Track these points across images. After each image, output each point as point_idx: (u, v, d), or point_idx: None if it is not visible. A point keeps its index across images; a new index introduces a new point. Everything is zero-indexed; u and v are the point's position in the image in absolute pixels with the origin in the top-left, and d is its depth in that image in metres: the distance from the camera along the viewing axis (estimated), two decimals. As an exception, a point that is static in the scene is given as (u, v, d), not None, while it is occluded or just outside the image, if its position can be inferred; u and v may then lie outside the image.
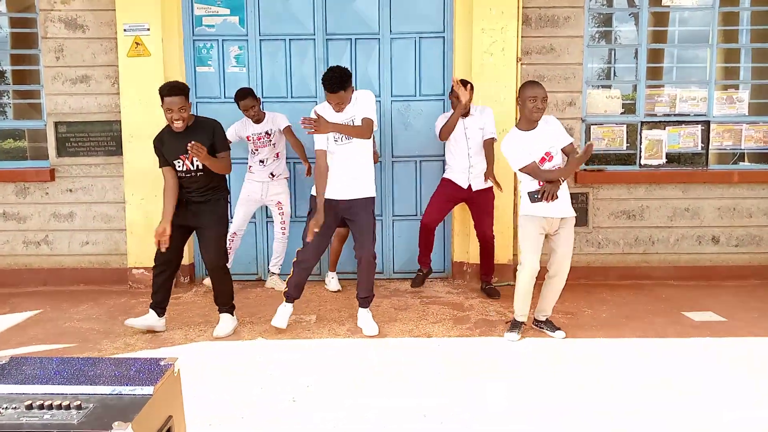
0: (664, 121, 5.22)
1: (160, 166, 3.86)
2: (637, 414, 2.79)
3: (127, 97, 4.93)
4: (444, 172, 4.79)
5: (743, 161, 5.59)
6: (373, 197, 3.91)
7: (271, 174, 4.84)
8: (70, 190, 5.17)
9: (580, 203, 5.16)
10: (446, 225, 5.18)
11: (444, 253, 5.26)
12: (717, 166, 5.29)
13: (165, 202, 3.80)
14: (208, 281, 4.87)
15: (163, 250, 3.72)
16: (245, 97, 4.65)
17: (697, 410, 2.81)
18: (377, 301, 4.62)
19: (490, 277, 4.78)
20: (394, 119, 5.18)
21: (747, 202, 5.20)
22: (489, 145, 4.55)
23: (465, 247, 5.10)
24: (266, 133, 4.78)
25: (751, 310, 4.38)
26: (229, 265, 4.93)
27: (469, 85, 4.44)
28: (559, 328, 3.87)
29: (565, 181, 3.68)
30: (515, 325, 3.84)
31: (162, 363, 1.71)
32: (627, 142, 5.23)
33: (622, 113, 5.25)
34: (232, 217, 4.76)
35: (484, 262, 4.77)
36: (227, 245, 4.87)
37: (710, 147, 5.22)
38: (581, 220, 5.16)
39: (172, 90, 3.63)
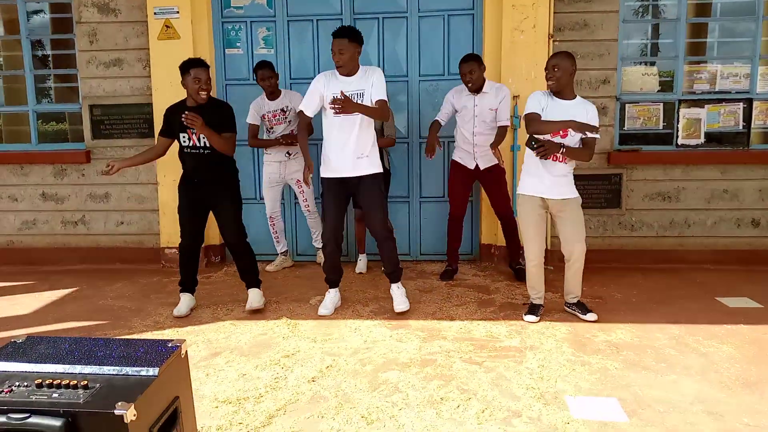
0: (704, 99, 5.00)
1: (159, 134, 3.96)
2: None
3: (158, 80, 5.01)
4: (452, 154, 4.70)
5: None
6: (381, 173, 3.87)
7: (288, 153, 4.84)
8: (108, 170, 5.30)
9: (613, 185, 5.02)
10: (474, 207, 5.13)
11: (471, 235, 5.21)
12: (759, 146, 5.05)
13: (134, 157, 4.10)
14: (270, 266, 5.02)
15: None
16: (263, 67, 4.68)
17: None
18: (403, 282, 4.62)
19: (518, 256, 4.65)
20: (422, 99, 5.12)
21: (791, 184, 4.96)
22: (501, 132, 4.38)
23: (493, 230, 5.04)
24: (282, 110, 4.79)
25: (791, 296, 4.21)
26: (285, 248, 5.06)
27: (476, 63, 4.30)
28: (591, 311, 3.80)
29: (570, 165, 3.62)
30: (533, 308, 3.82)
31: (169, 345, 1.75)
32: (663, 121, 5.05)
33: (659, 91, 5.06)
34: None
35: (508, 241, 4.69)
36: (271, 231, 4.98)
37: (752, 126, 4.99)
38: (614, 202, 5.03)
39: (200, 62, 3.78)
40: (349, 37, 3.66)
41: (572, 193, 3.66)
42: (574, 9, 4.87)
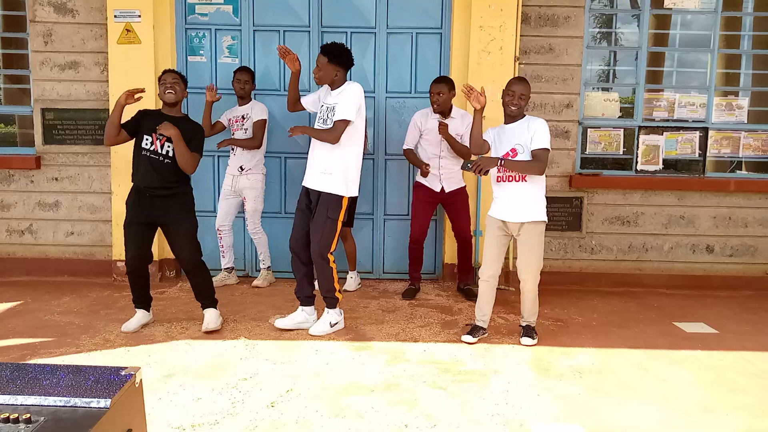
0: (662, 126, 5.13)
1: (122, 126, 3.72)
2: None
3: (117, 85, 4.82)
4: (416, 174, 4.69)
5: (740, 170, 5.52)
6: (339, 196, 3.74)
7: (241, 167, 4.73)
8: (56, 179, 5.07)
9: (574, 207, 5.08)
10: (438, 226, 5.11)
11: (435, 254, 5.19)
12: (714, 174, 5.21)
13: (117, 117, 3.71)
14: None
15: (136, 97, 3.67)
16: (243, 71, 4.69)
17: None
18: (365, 301, 4.56)
19: (468, 278, 4.72)
20: (388, 116, 5.09)
21: (743, 212, 5.13)
22: (466, 148, 4.33)
23: (455, 249, 5.02)
24: (242, 116, 4.73)
25: (743, 322, 4.31)
26: (231, 265, 4.90)
27: (446, 86, 4.35)
28: (529, 336, 3.74)
29: (532, 182, 3.56)
30: (474, 329, 3.78)
31: (122, 373, 1.62)
32: (624, 147, 5.15)
33: (620, 117, 5.17)
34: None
35: (461, 262, 4.72)
36: (219, 244, 4.83)
37: (708, 154, 5.15)
38: (574, 225, 5.09)
39: (171, 69, 3.80)
40: (329, 57, 3.66)
41: (531, 216, 3.59)
42: (540, 33, 4.94)
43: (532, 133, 3.55)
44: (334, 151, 3.73)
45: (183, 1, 4.97)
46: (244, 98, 4.72)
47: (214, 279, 4.70)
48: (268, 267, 4.94)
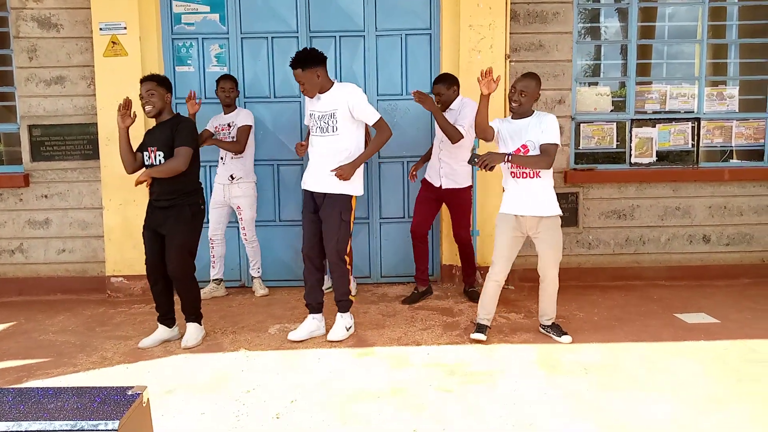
0: (654, 119, 5.14)
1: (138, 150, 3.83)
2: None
3: (104, 99, 4.76)
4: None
5: (733, 159, 5.54)
6: (348, 195, 3.74)
7: (231, 176, 4.68)
8: (46, 196, 4.99)
9: (569, 203, 5.07)
10: (434, 227, 5.07)
11: (432, 256, 5.14)
12: (707, 163, 5.22)
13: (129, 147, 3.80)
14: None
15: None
16: (226, 79, 4.65)
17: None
18: (364, 306, 4.51)
19: (472, 280, 4.68)
20: (380, 119, 5.05)
21: (737, 200, 5.14)
22: (453, 130, 4.21)
23: (454, 250, 4.98)
24: (228, 124, 4.68)
25: (743, 310, 4.31)
26: (220, 276, 4.84)
27: (444, 86, 4.31)
28: (565, 333, 3.76)
29: (545, 178, 3.57)
30: (479, 328, 3.75)
31: (129, 393, 1.57)
32: (617, 141, 5.15)
33: (611, 111, 5.16)
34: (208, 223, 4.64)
35: (463, 265, 4.68)
36: (210, 254, 4.77)
37: (700, 144, 5.15)
38: (571, 220, 5.08)
39: (145, 77, 3.72)
40: (302, 66, 3.60)
41: (548, 211, 3.60)
42: (530, 30, 4.93)
43: (542, 129, 3.55)
44: (346, 154, 3.70)
45: (169, 11, 4.92)
46: (229, 106, 4.67)
47: (202, 291, 4.59)
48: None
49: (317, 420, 2.78)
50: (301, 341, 3.79)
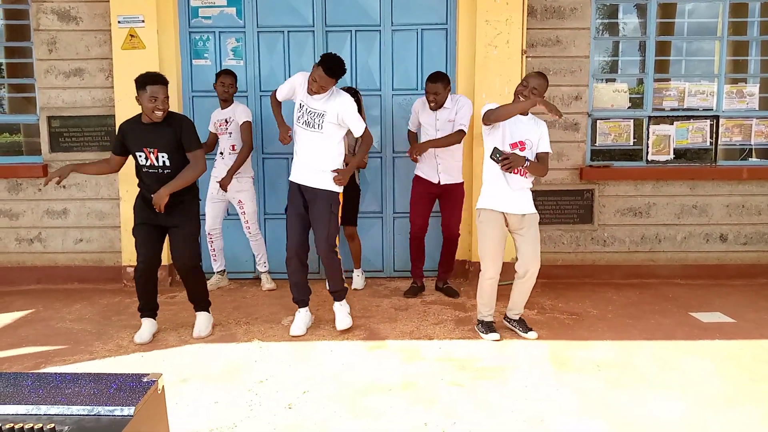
0: (672, 116, 5.08)
1: (112, 151, 3.75)
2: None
3: (122, 91, 4.80)
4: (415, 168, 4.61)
5: (752, 157, 5.47)
6: (337, 192, 3.82)
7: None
8: (64, 187, 5.05)
9: (585, 200, 5.04)
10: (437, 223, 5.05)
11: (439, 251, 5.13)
12: (725, 162, 5.17)
13: (87, 164, 3.87)
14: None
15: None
16: (224, 74, 4.63)
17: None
18: (377, 300, 4.53)
19: (448, 276, 4.71)
20: (395, 114, 5.05)
21: (756, 199, 5.07)
22: (455, 135, 4.26)
23: (466, 245, 4.99)
24: (225, 120, 4.68)
25: (760, 310, 4.27)
26: (223, 267, 4.89)
27: (442, 85, 4.26)
28: (531, 329, 3.76)
29: (529, 179, 3.61)
30: (489, 326, 3.75)
31: (144, 380, 1.60)
32: (634, 138, 5.10)
33: (629, 107, 5.12)
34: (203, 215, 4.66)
35: (443, 259, 4.67)
36: (209, 248, 4.81)
37: (719, 142, 5.09)
38: (586, 217, 5.05)
39: (159, 78, 3.51)
40: (332, 75, 3.61)
41: (532, 208, 3.66)
42: (547, 26, 4.90)
43: (540, 135, 3.62)
44: (328, 151, 3.77)
45: (186, 4, 4.96)
46: (227, 101, 4.66)
47: (208, 282, 4.62)
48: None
49: (329, 411, 2.81)
50: (303, 335, 3.83)
